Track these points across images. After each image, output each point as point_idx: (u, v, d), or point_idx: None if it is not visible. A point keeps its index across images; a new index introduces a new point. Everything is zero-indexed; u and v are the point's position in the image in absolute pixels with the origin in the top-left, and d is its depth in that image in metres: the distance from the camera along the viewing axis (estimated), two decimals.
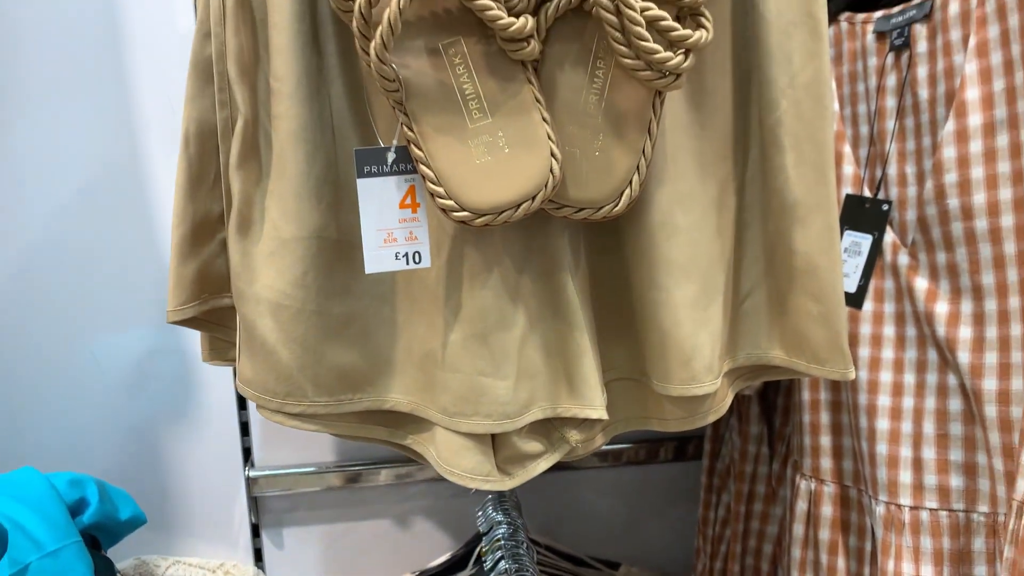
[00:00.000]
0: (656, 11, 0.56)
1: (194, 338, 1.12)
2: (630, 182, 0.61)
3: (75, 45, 1.06)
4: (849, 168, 0.90)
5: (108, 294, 1.11)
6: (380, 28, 0.53)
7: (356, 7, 0.54)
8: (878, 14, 0.88)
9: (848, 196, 0.89)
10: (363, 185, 0.58)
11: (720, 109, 0.66)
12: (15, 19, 1.04)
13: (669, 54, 0.57)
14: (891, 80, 0.87)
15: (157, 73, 1.08)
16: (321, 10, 0.60)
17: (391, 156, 0.59)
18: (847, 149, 0.90)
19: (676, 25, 0.57)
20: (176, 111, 1.09)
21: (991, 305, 0.76)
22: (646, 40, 0.56)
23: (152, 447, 1.16)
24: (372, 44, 0.54)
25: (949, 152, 0.78)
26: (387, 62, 0.55)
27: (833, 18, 0.94)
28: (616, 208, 0.61)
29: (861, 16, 0.91)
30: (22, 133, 1.06)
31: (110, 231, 1.10)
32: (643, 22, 0.55)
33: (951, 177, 0.77)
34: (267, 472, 1.15)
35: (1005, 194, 0.74)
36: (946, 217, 0.78)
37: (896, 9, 0.86)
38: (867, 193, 0.88)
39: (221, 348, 0.75)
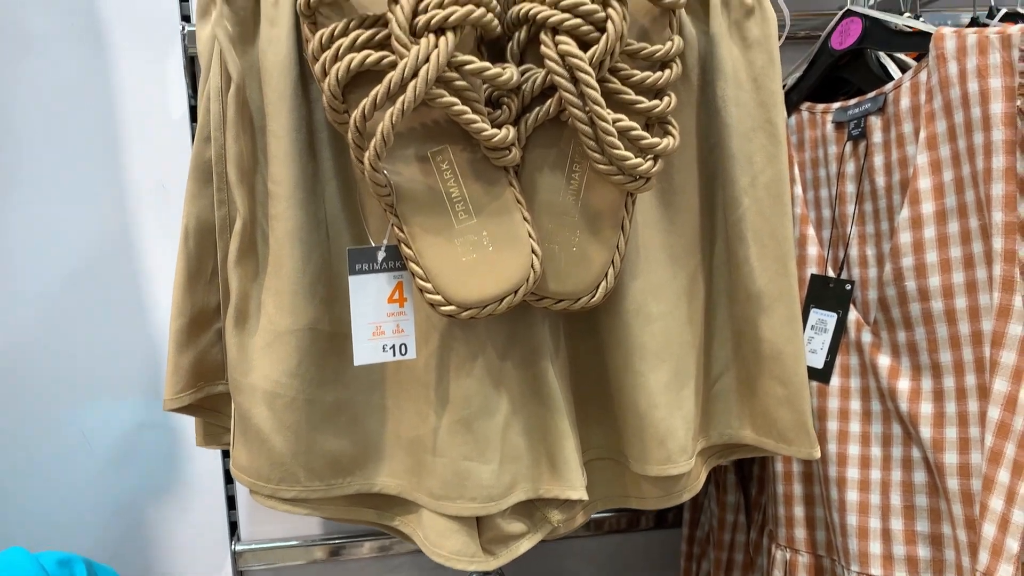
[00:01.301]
0: (627, 122, 0.61)
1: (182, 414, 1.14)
2: (606, 275, 0.65)
3: (70, 126, 1.09)
4: (813, 249, 0.95)
5: (97, 369, 1.12)
6: (374, 140, 0.57)
7: (352, 121, 0.58)
8: (836, 105, 0.94)
9: (813, 276, 0.94)
10: (354, 282, 0.62)
11: (688, 206, 0.70)
12: (10, 98, 1.07)
13: (639, 160, 0.61)
14: (850, 167, 0.92)
15: (151, 156, 1.12)
16: (316, 119, 0.65)
17: (381, 255, 0.63)
18: (811, 231, 0.95)
19: (645, 134, 0.61)
20: (168, 192, 1.13)
21: (949, 382, 0.80)
22: (618, 148, 0.60)
23: (139, 521, 1.16)
24: (366, 154, 0.58)
25: (905, 237, 0.83)
26: (380, 170, 0.59)
27: (794, 107, 1.00)
28: (593, 299, 0.65)
29: (820, 107, 0.97)
30: (16, 210, 1.08)
31: (101, 306, 1.12)
32: (615, 132, 0.60)
33: (908, 261, 0.82)
34: (253, 546, 1.16)
35: (958, 277, 0.79)
36: (904, 298, 0.83)
37: (852, 101, 0.92)
38: (831, 273, 0.93)
39: (215, 433, 0.78)
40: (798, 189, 0.97)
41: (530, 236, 0.63)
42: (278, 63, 0.62)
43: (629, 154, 0.61)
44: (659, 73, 0.62)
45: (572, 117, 0.60)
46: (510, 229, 0.62)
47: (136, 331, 1.14)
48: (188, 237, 0.68)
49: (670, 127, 0.64)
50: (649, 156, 0.62)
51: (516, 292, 0.62)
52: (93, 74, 1.10)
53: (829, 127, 0.95)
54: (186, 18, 1.10)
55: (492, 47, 0.63)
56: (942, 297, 0.80)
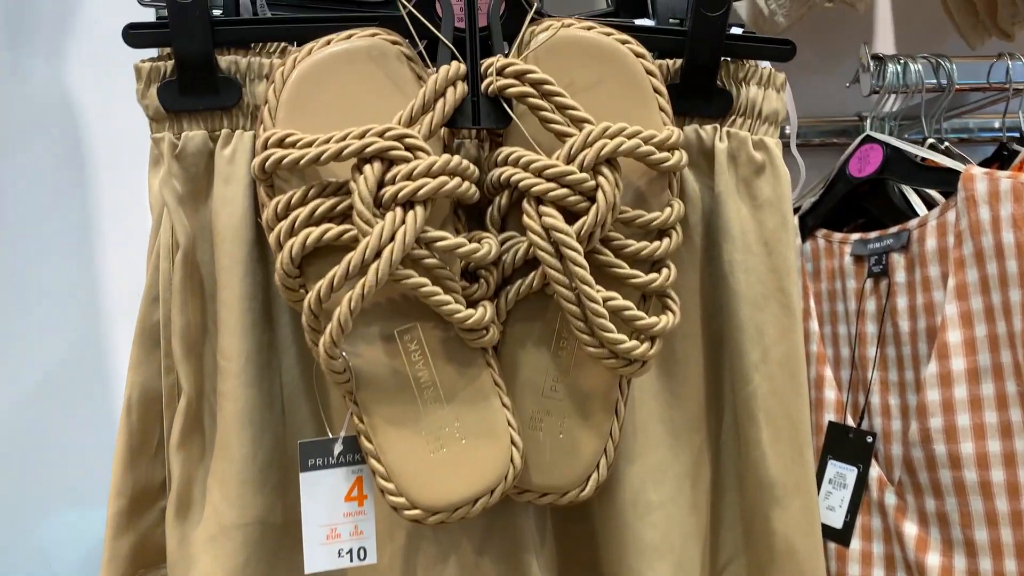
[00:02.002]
0: (619, 300, 0.54)
1: None
2: (597, 466, 0.57)
3: (45, 230, 1.05)
4: (831, 393, 0.87)
5: (61, 481, 1.06)
6: (330, 326, 0.50)
7: (305, 303, 0.51)
8: (855, 237, 0.87)
9: (831, 424, 0.86)
10: (306, 479, 0.54)
11: (691, 377, 0.63)
12: None
13: (635, 343, 0.54)
14: (871, 305, 0.85)
15: (126, 263, 1.07)
16: (274, 285, 0.58)
17: (338, 448, 0.55)
18: (828, 372, 0.87)
19: (641, 314, 0.54)
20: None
21: (986, 564, 0.71)
22: (610, 331, 0.53)
23: None
24: (321, 339, 0.51)
25: (933, 395, 0.75)
26: (336, 356, 0.52)
27: (810, 233, 0.93)
28: (583, 494, 0.57)
29: (838, 236, 0.90)
30: None
31: (71, 416, 1.07)
32: (606, 313, 0.53)
33: (936, 422, 0.74)
34: None
35: (994, 446, 0.71)
36: (933, 463, 0.74)
37: (873, 235, 0.85)
38: (850, 420, 0.85)
39: None
40: (813, 324, 0.89)
41: (509, 425, 0.55)
42: (231, 226, 0.56)
43: (622, 336, 0.53)
44: (657, 243, 0.55)
45: (558, 295, 0.53)
46: (486, 418, 0.55)
47: (107, 440, 1.07)
48: (131, 410, 0.60)
49: (670, 301, 0.56)
50: (645, 338, 0.55)
51: (492, 492, 0.54)
52: (71, 178, 1.06)
53: (848, 259, 0.88)
54: None
55: (470, 209, 0.57)
56: (976, 467, 0.72)
